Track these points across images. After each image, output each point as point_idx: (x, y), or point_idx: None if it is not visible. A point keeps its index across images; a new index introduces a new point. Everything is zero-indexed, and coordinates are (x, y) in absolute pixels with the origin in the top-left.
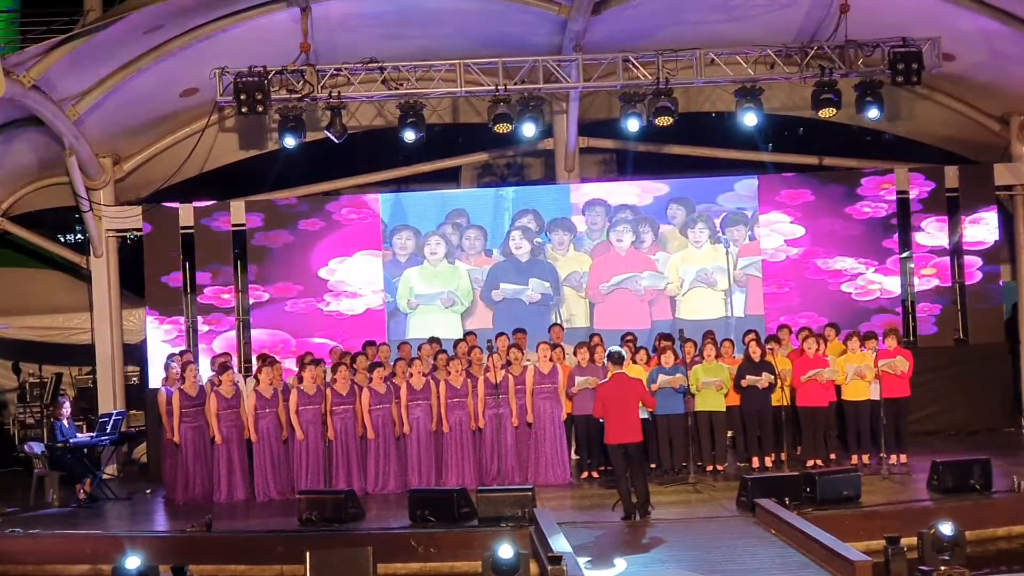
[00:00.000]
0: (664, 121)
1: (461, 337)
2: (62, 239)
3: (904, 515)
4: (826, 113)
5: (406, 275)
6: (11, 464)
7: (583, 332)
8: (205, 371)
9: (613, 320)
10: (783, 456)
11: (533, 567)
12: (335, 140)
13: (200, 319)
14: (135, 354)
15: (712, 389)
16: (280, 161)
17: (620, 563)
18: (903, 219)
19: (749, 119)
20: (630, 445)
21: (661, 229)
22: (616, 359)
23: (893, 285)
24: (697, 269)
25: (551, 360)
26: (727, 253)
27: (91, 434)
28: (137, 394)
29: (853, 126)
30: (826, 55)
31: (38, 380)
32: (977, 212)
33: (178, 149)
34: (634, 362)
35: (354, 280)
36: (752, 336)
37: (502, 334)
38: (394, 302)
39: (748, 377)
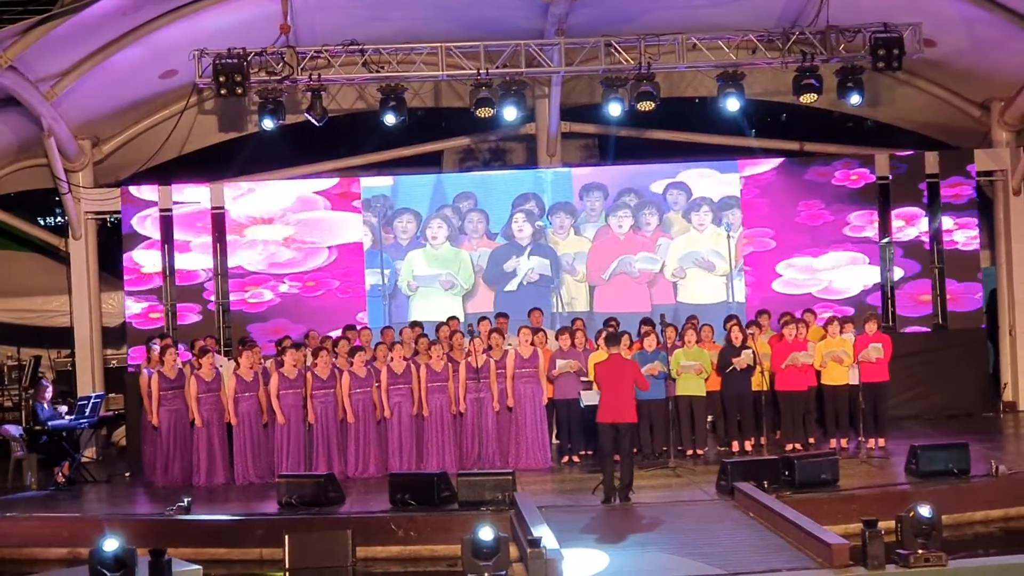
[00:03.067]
0: (646, 106)
1: (443, 321)
2: (41, 221)
3: (882, 499)
4: (807, 98)
5: (408, 258)
6: None
7: (584, 316)
8: None
9: (614, 303)
10: (763, 440)
11: (513, 551)
12: (315, 123)
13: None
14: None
15: (691, 373)
16: (260, 144)
17: (600, 547)
18: (883, 205)
19: (731, 104)
20: (621, 425)
21: (666, 213)
22: (613, 340)
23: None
24: (691, 252)
25: (532, 344)
26: (728, 237)
27: (70, 417)
28: (116, 377)
29: (834, 112)
30: (807, 40)
31: (16, 363)
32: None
33: (157, 131)
34: None
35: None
36: (734, 322)
37: (484, 318)
38: (392, 284)
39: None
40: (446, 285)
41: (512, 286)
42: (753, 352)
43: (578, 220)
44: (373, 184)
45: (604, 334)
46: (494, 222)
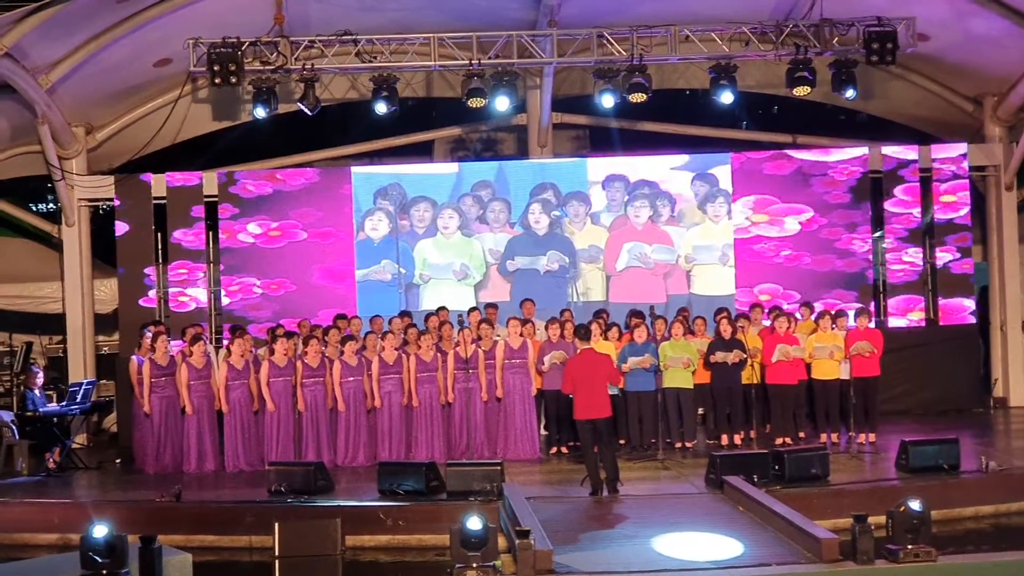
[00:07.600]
0: (638, 97)
1: (433, 311)
2: (34, 208)
3: (872, 494)
4: (801, 91)
5: (419, 247)
6: None
7: (599, 306)
8: None
9: (629, 294)
10: (752, 434)
11: (501, 541)
12: (308, 112)
13: None
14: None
15: (679, 367)
16: (253, 133)
17: (588, 538)
18: (875, 198)
19: (724, 96)
20: (599, 421)
21: (679, 204)
22: (584, 335)
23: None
24: (705, 243)
25: (521, 335)
26: None
27: (61, 403)
28: (108, 363)
29: (827, 104)
30: (801, 33)
31: (8, 349)
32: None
33: (151, 119)
34: (606, 339)
35: None
36: (724, 314)
37: (474, 309)
38: (410, 274)
39: (717, 353)
40: (459, 275)
41: (526, 271)
42: (745, 349)
43: (594, 210)
44: (389, 172)
45: (574, 328)
46: (511, 211)
